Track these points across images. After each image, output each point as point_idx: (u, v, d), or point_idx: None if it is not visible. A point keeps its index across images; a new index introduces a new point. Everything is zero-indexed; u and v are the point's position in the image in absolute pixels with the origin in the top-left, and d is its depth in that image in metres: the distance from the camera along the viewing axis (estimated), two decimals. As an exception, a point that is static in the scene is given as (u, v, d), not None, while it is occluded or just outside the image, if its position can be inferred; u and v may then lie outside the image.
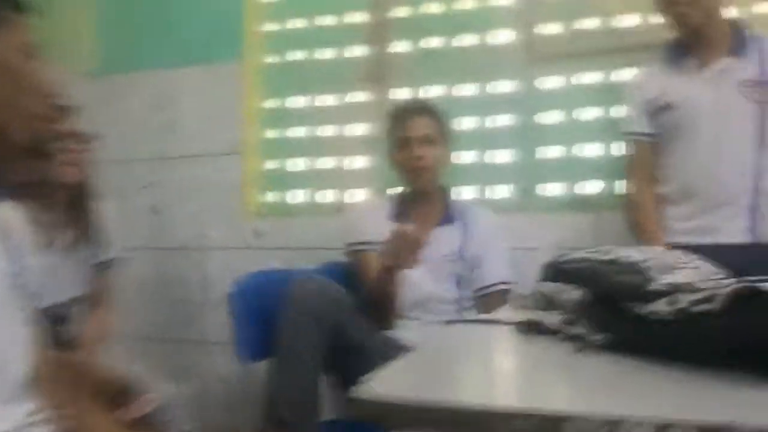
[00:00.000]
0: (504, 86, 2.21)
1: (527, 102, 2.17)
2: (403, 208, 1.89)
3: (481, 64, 2.23)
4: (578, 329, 0.80)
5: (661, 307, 0.69)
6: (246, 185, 2.44)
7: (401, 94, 2.29)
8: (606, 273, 0.82)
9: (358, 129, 2.37)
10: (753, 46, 1.70)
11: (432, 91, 2.26)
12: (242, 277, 1.80)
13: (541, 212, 2.12)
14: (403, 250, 1.59)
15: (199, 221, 2.44)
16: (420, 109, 1.90)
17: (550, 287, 0.95)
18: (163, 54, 2.52)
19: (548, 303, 0.94)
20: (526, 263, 2.08)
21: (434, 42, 2.29)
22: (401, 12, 2.34)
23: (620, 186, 2.01)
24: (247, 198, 2.44)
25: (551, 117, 2.16)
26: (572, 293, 0.87)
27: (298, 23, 2.46)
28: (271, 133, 2.47)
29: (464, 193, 2.21)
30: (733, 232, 1.67)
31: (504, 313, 1.16)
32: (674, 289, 0.70)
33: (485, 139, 2.22)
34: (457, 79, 2.25)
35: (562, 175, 2.13)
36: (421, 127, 1.83)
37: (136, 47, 2.57)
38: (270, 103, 2.47)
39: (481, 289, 1.85)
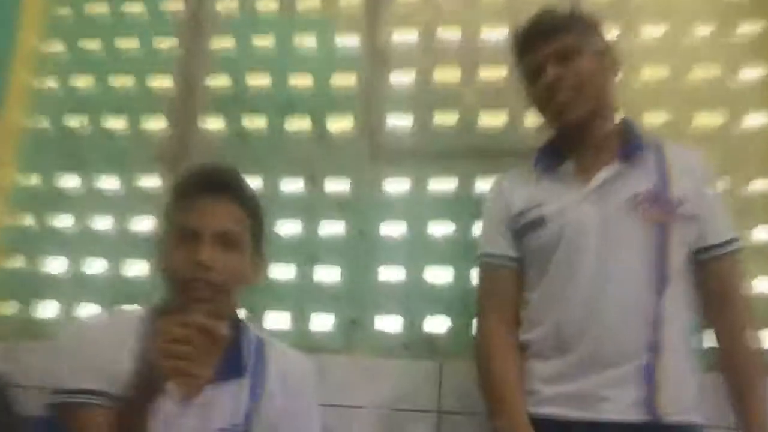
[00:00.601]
0: (338, 185, 1.72)
1: (365, 208, 1.69)
2: None
3: (314, 154, 1.74)
4: None
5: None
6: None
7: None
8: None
9: (145, 223, 1.78)
10: (648, 151, 1.31)
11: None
12: None
13: (372, 355, 1.58)
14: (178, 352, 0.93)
15: None
16: (219, 185, 1.18)
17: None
18: None
19: None
20: (348, 427, 1.53)
21: (257, 121, 1.79)
22: (218, 80, 1.83)
23: (468, 323, 1.53)
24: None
25: (394, 229, 1.67)
26: None
27: (80, 81, 1.88)
28: (22, 219, 1.81)
29: (270, 322, 1.64)
30: (622, 405, 1.19)
31: None
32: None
33: (308, 251, 1.68)
34: (280, 170, 1.74)
35: (402, 306, 1.62)
36: (216, 215, 1.15)
37: None
38: (26, 180, 1.83)
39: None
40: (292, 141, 1.76)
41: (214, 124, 1.81)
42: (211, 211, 1.15)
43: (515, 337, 1.33)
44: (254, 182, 1.67)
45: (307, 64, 1.81)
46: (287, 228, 1.70)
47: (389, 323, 1.61)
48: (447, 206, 1.66)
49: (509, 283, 1.36)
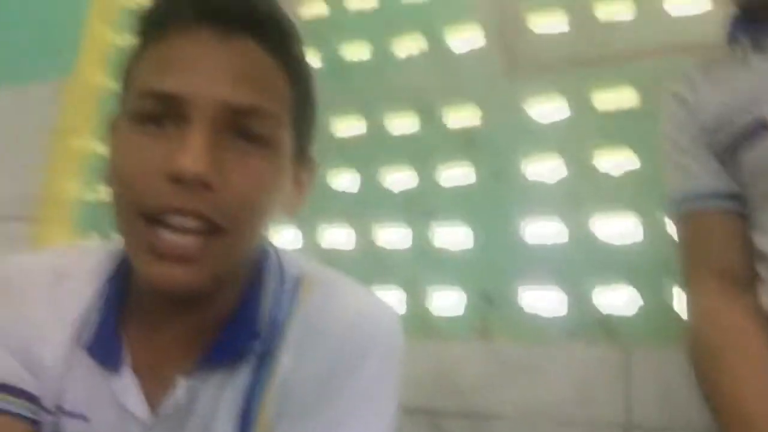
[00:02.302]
0: (462, 115, 1.26)
1: (502, 142, 1.21)
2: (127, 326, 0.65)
3: (429, 80, 1.30)
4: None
5: None
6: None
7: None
8: None
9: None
10: None
11: (351, 123, 1.33)
12: None
13: (518, 343, 1.08)
14: None
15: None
16: (232, 7, 0.57)
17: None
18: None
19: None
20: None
21: (358, 49, 1.39)
22: (311, 7, 1.47)
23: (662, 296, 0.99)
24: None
25: (543, 167, 1.18)
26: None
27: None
28: (94, 194, 1.55)
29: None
30: None
31: None
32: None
33: (426, 206, 1.24)
34: (387, 105, 1.32)
35: (562, 274, 1.11)
36: (224, 72, 0.55)
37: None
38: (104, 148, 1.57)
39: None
40: (402, 67, 1.34)
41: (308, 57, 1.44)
42: (212, 62, 0.55)
43: (753, 309, 0.80)
44: (356, 123, 1.28)
45: (420, -29, 1.39)
46: (398, 178, 1.27)
47: (543, 300, 1.12)
48: (619, 129, 1.14)
49: (727, 231, 0.86)
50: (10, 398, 0.60)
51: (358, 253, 1.24)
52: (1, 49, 1.67)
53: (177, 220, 0.52)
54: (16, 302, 0.63)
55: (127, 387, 0.59)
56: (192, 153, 0.51)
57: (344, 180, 1.31)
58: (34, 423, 0.60)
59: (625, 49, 1.17)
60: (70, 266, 0.65)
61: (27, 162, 1.51)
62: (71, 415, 0.61)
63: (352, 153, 1.31)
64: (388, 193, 1.26)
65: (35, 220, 1.46)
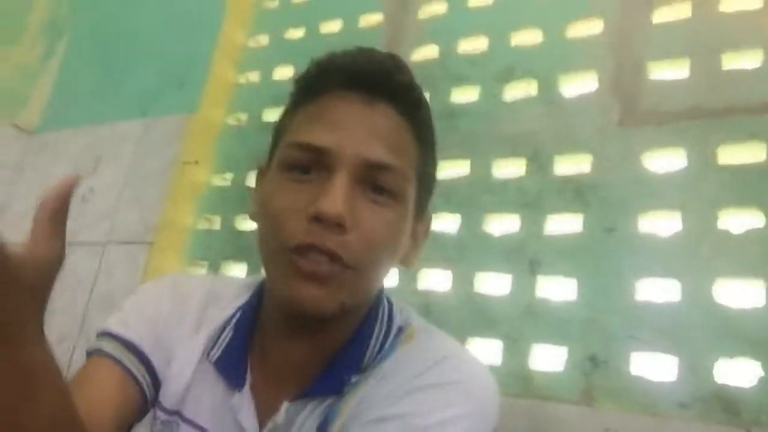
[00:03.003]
0: (573, 164, 1.21)
1: (614, 194, 1.15)
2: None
3: (540, 126, 1.27)
4: None
5: None
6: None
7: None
8: None
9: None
10: None
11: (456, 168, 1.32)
12: None
13: (624, 410, 1.01)
14: None
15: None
16: (377, 79, 0.67)
17: None
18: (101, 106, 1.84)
19: None
20: None
21: (468, 93, 1.38)
22: (424, 52, 1.48)
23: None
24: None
25: (660, 223, 1.11)
26: None
27: (281, 73, 1.68)
28: (206, 224, 1.61)
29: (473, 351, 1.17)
30: None
31: None
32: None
33: (531, 255, 1.19)
34: (494, 150, 1.29)
35: (676, 339, 1.03)
36: (366, 133, 0.66)
37: (81, 99, 1.92)
38: (219, 180, 1.64)
39: None
40: (512, 112, 1.31)
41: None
42: (357, 122, 0.63)
43: None
44: (462, 168, 1.27)
45: (535, 16, 1.37)
46: (502, 225, 1.24)
47: (653, 365, 1.04)
48: (744, 185, 1.05)
49: None
50: (132, 357, 0.68)
51: (456, 298, 1.22)
52: (138, 83, 1.80)
53: (313, 255, 0.60)
54: (176, 301, 0.73)
55: (244, 404, 0.66)
56: (334, 197, 0.60)
57: (446, 223, 1.30)
58: (136, 383, 0.68)
59: (753, 100, 1.09)
60: (221, 292, 0.75)
61: (153, 191, 1.61)
62: (191, 424, 0.69)
63: (455, 196, 1.29)
64: (490, 239, 1.23)
65: (151, 246, 1.55)
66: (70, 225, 0.46)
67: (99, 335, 0.71)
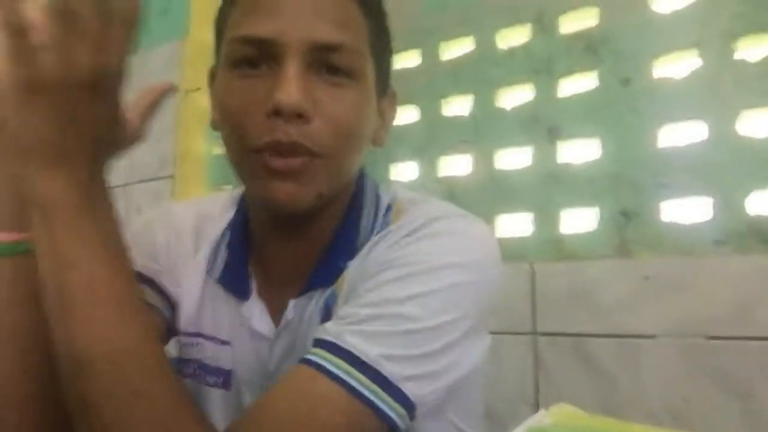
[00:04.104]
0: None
1: (626, 33, 1.11)
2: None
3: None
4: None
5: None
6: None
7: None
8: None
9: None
10: None
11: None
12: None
13: (660, 256, 1.02)
14: None
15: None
16: None
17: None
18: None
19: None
20: (634, 366, 1.01)
21: None
22: None
23: None
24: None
25: (676, 61, 1.07)
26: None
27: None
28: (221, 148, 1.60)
29: (498, 226, 1.17)
30: None
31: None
32: None
33: (546, 111, 1.18)
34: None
35: (708, 178, 1.02)
36: (310, 13, 0.60)
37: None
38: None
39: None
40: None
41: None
42: (298, 6, 0.59)
43: None
44: (466, 45, 1.23)
45: None
46: (515, 97, 1.21)
47: (684, 208, 1.04)
48: (764, 9, 1.00)
49: None
50: (144, 287, 0.69)
51: (479, 179, 1.21)
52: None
53: (280, 150, 0.58)
54: (169, 228, 0.74)
55: (255, 311, 0.67)
56: (287, 88, 0.56)
57: (458, 106, 1.27)
58: (153, 310, 0.70)
59: None
60: (210, 209, 0.75)
61: (161, 125, 1.60)
62: (215, 340, 0.69)
63: (463, 76, 1.26)
64: (505, 114, 1.21)
65: (173, 178, 1.56)
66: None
67: None
